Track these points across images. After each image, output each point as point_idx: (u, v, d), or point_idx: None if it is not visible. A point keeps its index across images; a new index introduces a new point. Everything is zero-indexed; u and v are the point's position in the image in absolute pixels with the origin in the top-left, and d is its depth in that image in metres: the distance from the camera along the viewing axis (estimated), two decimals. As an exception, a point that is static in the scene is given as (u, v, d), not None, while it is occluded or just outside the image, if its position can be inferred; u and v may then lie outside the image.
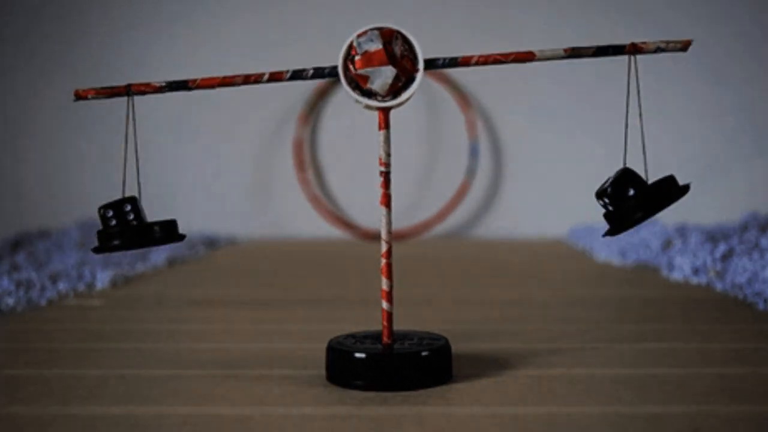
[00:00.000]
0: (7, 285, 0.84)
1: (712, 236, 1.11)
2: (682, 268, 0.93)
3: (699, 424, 0.40)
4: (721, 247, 0.99)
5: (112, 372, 0.53)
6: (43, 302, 0.80)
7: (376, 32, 0.48)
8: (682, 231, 1.19)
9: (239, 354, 0.58)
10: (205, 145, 1.62)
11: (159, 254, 1.17)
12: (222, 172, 1.62)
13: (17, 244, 1.26)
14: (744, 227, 1.17)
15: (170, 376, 0.51)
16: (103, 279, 0.93)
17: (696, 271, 0.92)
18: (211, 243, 1.41)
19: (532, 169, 1.59)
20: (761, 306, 0.72)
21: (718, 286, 0.84)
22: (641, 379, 0.49)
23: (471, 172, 1.56)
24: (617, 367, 0.52)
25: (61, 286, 0.87)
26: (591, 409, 0.43)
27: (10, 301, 0.78)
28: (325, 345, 0.50)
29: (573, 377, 0.50)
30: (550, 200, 1.57)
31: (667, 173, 0.48)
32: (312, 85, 1.58)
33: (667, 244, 1.10)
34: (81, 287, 0.89)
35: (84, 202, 1.52)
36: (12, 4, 1.62)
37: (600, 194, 0.48)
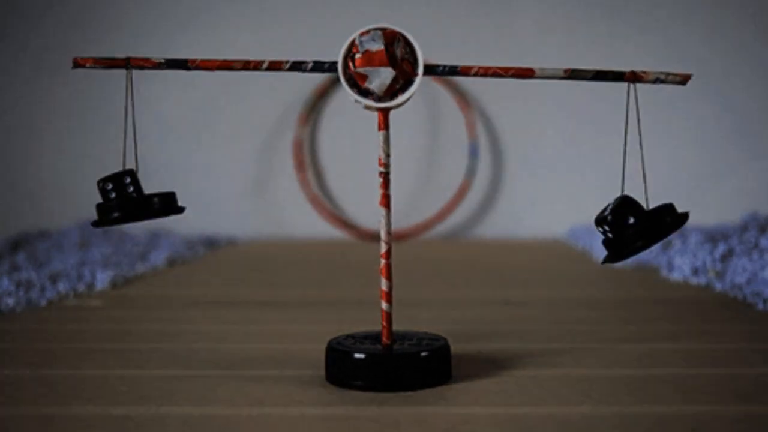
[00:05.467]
0: (7, 285, 0.84)
1: (712, 236, 1.11)
2: (681, 268, 0.93)
3: (699, 424, 0.40)
4: (721, 248, 0.99)
5: (112, 372, 0.53)
6: (43, 302, 0.80)
7: (379, 32, 0.48)
8: (682, 231, 1.19)
9: (239, 354, 0.58)
10: (205, 145, 1.62)
11: (159, 254, 1.17)
12: (222, 172, 1.62)
13: (17, 244, 1.26)
14: (743, 227, 1.17)
15: (170, 376, 0.51)
16: (102, 279, 0.93)
17: (696, 272, 0.92)
18: (211, 243, 1.41)
19: (532, 169, 1.59)
20: (761, 306, 0.72)
21: (718, 286, 0.84)
22: (641, 379, 0.49)
23: (471, 172, 1.56)
24: (617, 367, 0.52)
25: (61, 286, 0.87)
26: (591, 409, 0.43)
27: (10, 301, 0.78)
28: (324, 345, 0.50)
29: (573, 377, 0.50)
30: (550, 200, 1.57)
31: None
32: (312, 85, 1.58)
33: (666, 244, 1.10)
34: (81, 287, 0.89)
35: (84, 202, 1.51)
36: (11, 5, 1.62)
37: (600, 221, 0.48)
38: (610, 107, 1.49)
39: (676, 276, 0.92)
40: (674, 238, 1.13)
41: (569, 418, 0.42)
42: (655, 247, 1.08)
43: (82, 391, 0.48)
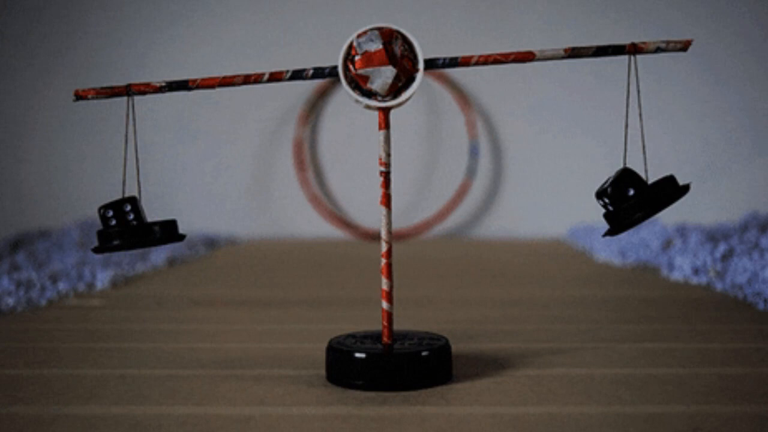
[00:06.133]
0: (7, 285, 0.84)
1: (712, 236, 1.11)
2: (682, 268, 0.93)
3: (699, 424, 0.40)
4: (721, 247, 0.99)
5: (112, 372, 0.53)
6: (43, 302, 0.80)
7: (376, 32, 0.48)
8: (682, 231, 1.19)
9: (239, 354, 0.58)
10: (205, 145, 1.62)
11: (159, 254, 1.17)
12: (222, 172, 1.62)
13: (17, 244, 1.26)
14: (744, 227, 1.17)
15: (170, 376, 0.51)
16: (103, 279, 0.93)
17: (696, 271, 0.92)
18: (211, 243, 1.41)
19: (532, 169, 1.59)
20: (761, 306, 0.72)
21: (718, 286, 0.84)
22: (641, 379, 0.49)
23: (471, 172, 1.56)
24: (617, 367, 0.52)
25: (61, 286, 0.87)
26: (591, 409, 0.43)
27: (10, 301, 0.78)
28: (325, 345, 0.50)
29: (573, 377, 0.50)
30: (550, 200, 1.57)
31: (667, 173, 0.48)
32: (312, 85, 1.58)
33: (667, 244, 1.10)
34: (81, 287, 0.89)
35: (84, 202, 1.52)
36: (12, 5, 1.62)
37: (600, 194, 0.48)
38: (611, 108, 1.50)
39: (676, 276, 0.92)
40: (675, 237, 1.13)
41: (569, 418, 0.42)
42: (656, 247, 1.08)
43: (82, 391, 0.48)
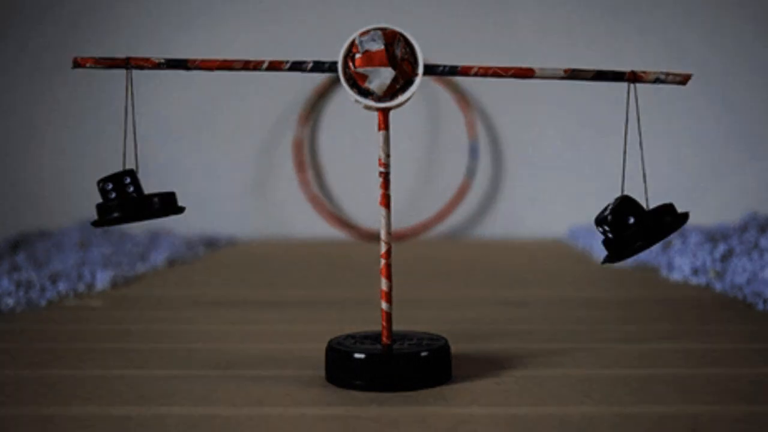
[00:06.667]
0: (7, 285, 0.84)
1: (712, 236, 1.11)
2: (681, 268, 0.93)
3: (699, 424, 0.40)
4: (721, 248, 0.99)
5: (112, 372, 0.53)
6: (43, 303, 0.80)
7: (379, 32, 0.48)
8: (682, 231, 1.19)
9: (239, 354, 0.58)
10: (205, 145, 1.62)
11: (159, 254, 1.17)
12: (222, 172, 1.62)
13: (17, 244, 1.26)
14: (743, 227, 1.17)
15: (170, 376, 0.51)
16: (103, 279, 0.93)
17: (695, 272, 0.92)
18: (211, 243, 1.41)
19: (532, 169, 1.59)
20: (761, 306, 0.72)
21: (718, 287, 0.84)
22: (641, 379, 0.49)
23: (471, 172, 1.56)
24: (617, 367, 0.52)
25: (61, 286, 0.87)
26: (591, 409, 0.43)
27: (10, 301, 0.78)
28: (324, 345, 0.50)
29: (573, 377, 0.50)
30: (550, 200, 1.57)
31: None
32: (312, 85, 1.58)
33: (666, 244, 1.10)
34: (81, 287, 0.89)
35: (84, 202, 1.51)
36: (12, 7, 1.62)
37: (600, 221, 0.48)
38: (610, 107, 1.49)
39: (676, 276, 0.92)
40: (674, 238, 1.13)
41: (569, 418, 0.42)
42: (655, 247, 1.08)
43: (82, 391, 0.48)
